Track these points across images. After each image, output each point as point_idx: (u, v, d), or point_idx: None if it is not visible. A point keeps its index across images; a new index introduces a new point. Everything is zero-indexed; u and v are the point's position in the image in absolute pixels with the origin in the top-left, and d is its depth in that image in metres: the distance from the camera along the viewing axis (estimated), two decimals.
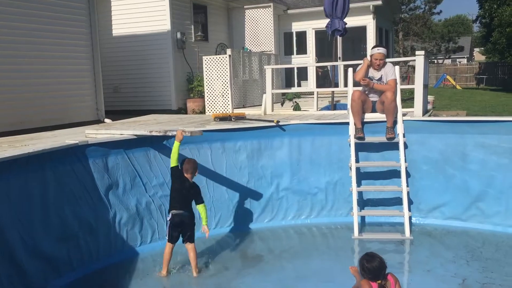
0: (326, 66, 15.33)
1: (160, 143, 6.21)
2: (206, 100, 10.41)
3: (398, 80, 6.63)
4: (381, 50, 6.56)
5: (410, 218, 6.14)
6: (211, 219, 6.34)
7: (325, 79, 16.25)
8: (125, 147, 5.88)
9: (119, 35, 12.27)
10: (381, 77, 6.55)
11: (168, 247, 5.01)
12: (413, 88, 7.44)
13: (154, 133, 5.96)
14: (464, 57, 51.04)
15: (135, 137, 6.01)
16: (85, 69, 9.29)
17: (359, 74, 6.55)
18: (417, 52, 7.26)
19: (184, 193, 5.04)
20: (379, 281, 3.72)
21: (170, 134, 5.93)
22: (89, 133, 6.32)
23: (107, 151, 5.67)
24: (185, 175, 5.09)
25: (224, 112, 9.93)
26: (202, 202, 5.13)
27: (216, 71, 10.20)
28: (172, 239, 5.02)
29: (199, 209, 5.12)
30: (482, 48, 39.76)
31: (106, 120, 9.45)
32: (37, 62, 8.27)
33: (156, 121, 8.81)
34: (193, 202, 5.16)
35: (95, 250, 5.31)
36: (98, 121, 9.33)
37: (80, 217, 5.22)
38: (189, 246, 5.03)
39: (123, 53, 12.25)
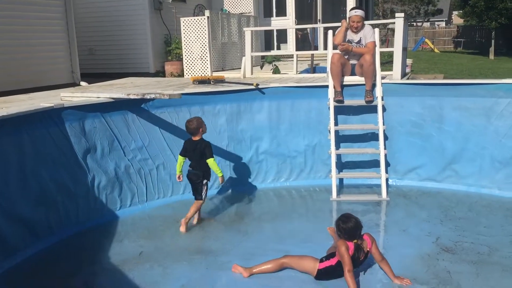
0: (305, 29, 15.17)
1: (138, 106, 6.13)
2: (184, 63, 10.25)
3: (377, 43, 6.61)
4: (359, 12, 6.50)
5: (387, 180, 6.25)
6: None
7: (305, 42, 16.11)
8: (102, 110, 5.78)
9: None
10: (360, 40, 6.51)
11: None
12: (392, 51, 7.43)
13: (132, 96, 5.87)
14: (442, 20, 51.05)
15: (112, 100, 5.91)
16: (58, 30, 9.00)
17: (338, 38, 6.52)
18: (396, 15, 7.22)
19: (189, 154, 5.37)
20: (355, 241, 3.83)
21: (148, 97, 5.85)
22: (64, 96, 6.19)
23: (84, 115, 5.57)
24: (192, 138, 5.36)
25: (203, 75, 9.81)
26: (209, 157, 5.27)
27: (194, 33, 10.01)
28: (192, 193, 5.45)
29: (208, 164, 5.29)
30: (461, 11, 39.76)
31: (82, 83, 9.25)
32: (7, 22, 7.97)
33: (134, 84, 8.67)
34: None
35: (74, 214, 5.30)
36: (74, 84, 9.13)
37: (58, 181, 5.17)
38: (195, 201, 5.37)
39: (98, 14, 11.89)
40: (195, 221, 5.43)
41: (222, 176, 5.27)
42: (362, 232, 3.97)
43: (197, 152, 5.28)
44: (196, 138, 5.32)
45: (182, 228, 5.17)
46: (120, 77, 10.28)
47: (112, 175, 5.70)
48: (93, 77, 10.19)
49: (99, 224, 5.41)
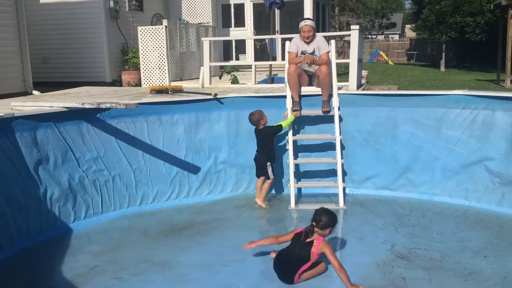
0: (264, 40, 15.31)
1: (93, 116, 5.99)
2: (142, 72, 10.13)
3: (333, 54, 6.74)
4: (308, 22, 6.60)
5: (344, 188, 6.36)
6: (148, 193, 6.27)
7: (263, 52, 16.25)
8: (55, 120, 5.61)
9: (47, 2, 11.58)
10: (313, 51, 6.60)
11: (257, 180, 6.36)
12: (348, 63, 7.60)
13: (86, 106, 5.73)
14: (396, 33, 52.77)
15: (66, 109, 5.75)
16: (9, 37, 8.72)
17: (295, 60, 6.54)
18: (352, 27, 7.41)
19: (257, 140, 6.35)
20: (313, 223, 4.10)
21: (103, 107, 5.73)
22: (15, 105, 5.96)
23: (36, 124, 5.39)
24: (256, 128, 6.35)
25: (160, 84, 9.72)
26: (278, 131, 6.32)
27: (152, 42, 9.91)
28: (257, 173, 6.37)
29: (283, 125, 6.34)
30: (413, 25, 41.21)
31: (35, 92, 8.97)
32: None
33: (89, 93, 8.47)
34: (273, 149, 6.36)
35: (25, 228, 5.09)
36: (26, 93, 8.84)
37: (7, 193, 4.95)
38: (265, 180, 6.27)
39: (52, 21, 11.59)
40: (260, 200, 6.22)
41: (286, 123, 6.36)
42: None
43: (262, 138, 6.24)
44: (260, 127, 6.26)
45: (264, 205, 6.17)
46: (75, 86, 10.02)
47: (66, 186, 5.53)
48: (46, 86, 9.90)
49: (52, 238, 5.21)
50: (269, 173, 6.25)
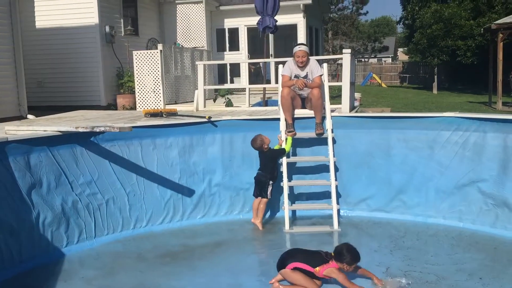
0: (258, 63, 15.48)
1: (87, 139, 6.00)
2: (137, 96, 10.19)
3: (326, 77, 6.82)
4: (303, 47, 6.70)
5: (338, 210, 6.35)
6: (142, 217, 6.24)
7: (258, 76, 16.41)
8: (49, 144, 5.61)
9: (43, 28, 11.70)
10: (306, 75, 6.68)
11: (254, 201, 6.42)
12: (341, 85, 7.69)
13: (80, 129, 5.74)
14: (389, 57, 53.47)
15: (60, 133, 5.76)
16: (5, 62, 8.76)
17: (289, 83, 6.62)
18: (344, 50, 7.51)
19: (261, 160, 6.45)
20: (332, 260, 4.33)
21: (97, 130, 5.74)
22: (9, 129, 5.98)
23: (29, 149, 5.39)
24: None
25: (155, 108, 9.76)
26: (283, 154, 6.47)
27: (147, 66, 10.00)
28: (254, 193, 6.43)
29: (286, 148, 6.49)
30: (405, 48, 41.79)
31: (29, 116, 8.98)
32: None
33: (84, 117, 8.50)
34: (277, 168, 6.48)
35: (17, 253, 5.03)
36: (21, 117, 8.85)
37: (0, 218, 4.92)
38: (261, 200, 6.32)
39: (47, 46, 11.69)
40: (257, 221, 6.29)
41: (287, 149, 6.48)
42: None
43: (267, 160, 6.37)
44: (265, 150, 6.37)
45: (260, 227, 6.20)
46: (70, 110, 10.06)
47: (59, 210, 5.49)
48: (41, 110, 9.92)
49: (44, 263, 5.15)
50: (268, 192, 6.31)
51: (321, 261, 4.31)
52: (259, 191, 6.37)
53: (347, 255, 4.29)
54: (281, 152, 6.45)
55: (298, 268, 4.29)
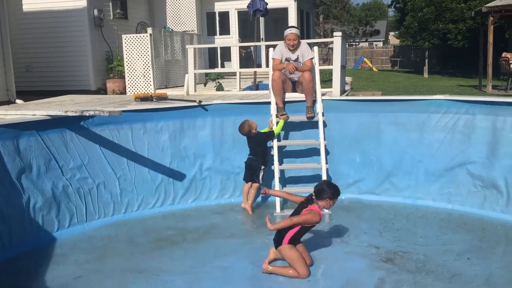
0: (249, 47, 15.39)
1: (77, 124, 5.96)
2: (126, 80, 10.10)
3: (317, 61, 6.80)
4: (294, 30, 6.67)
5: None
6: (133, 201, 6.24)
7: (249, 60, 16.32)
8: (38, 128, 5.58)
9: (30, 11, 11.52)
10: (297, 58, 6.66)
11: (245, 185, 6.38)
12: (332, 69, 7.67)
13: (70, 114, 5.71)
14: (380, 41, 53.32)
15: (49, 118, 5.71)
16: None
17: (279, 66, 6.60)
18: (334, 34, 7.49)
19: (249, 145, 6.43)
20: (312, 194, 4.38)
21: (87, 114, 5.71)
22: None
23: (18, 133, 5.35)
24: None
25: (145, 92, 9.70)
26: (272, 136, 6.44)
27: (136, 50, 9.91)
28: (245, 177, 6.41)
29: (275, 131, 6.46)
30: (397, 32, 41.74)
31: (18, 101, 8.88)
32: None
33: (73, 101, 8.43)
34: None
35: (8, 238, 5.02)
36: (9, 102, 8.73)
37: None
38: (253, 185, 6.29)
39: (35, 30, 11.53)
40: (247, 206, 6.27)
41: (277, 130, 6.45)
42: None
43: (256, 144, 6.33)
44: (252, 135, 6.32)
45: (250, 211, 6.17)
46: (59, 95, 9.95)
47: (49, 195, 5.48)
48: (30, 95, 9.80)
49: (35, 248, 5.15)
50: (260, 177, 6.32)
51: (302, 209, 4.34)
52: (250, 176, 6.36)
53: (327, 190, 4.33)
54: (269, 134, 6.44)
55: (294, 236, 4.29)
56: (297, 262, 4.28)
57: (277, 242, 4.37)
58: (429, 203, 6.34)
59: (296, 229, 4.31)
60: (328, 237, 5.40)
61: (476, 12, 18.24)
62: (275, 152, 6.49)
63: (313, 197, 4.35)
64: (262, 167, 6.35)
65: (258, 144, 6.37)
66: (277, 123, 6.57)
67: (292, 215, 4.43)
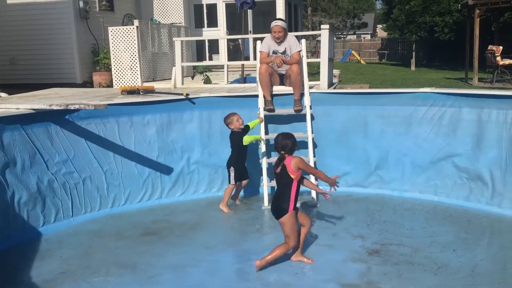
0: (237, 40, 15.32)
1: (62, 117, 5.89)
2: (113, 73, 9.99)
3: (304, 53, 6.78)
4: (279, 22, 6.65)
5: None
6: (120, 195, 6.20)
7: (237, 52, 16.25)
8: (23, 122, 5.50)
9: (14, 3, 11.34)
10: (285, 50, 6.64)
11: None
12: (320, 62, 7.67)
13: (54, 107, 5.63)
14: (368, 33, 53.43)
15: (33, 111, 5.64)
16: None
17: (266, 59, 6.58)
18: (322, 27, 7.47)
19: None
20: (282, 152, 4.32)
21: (72, 108, 5.64)
22: None
23: (2, 127, 5.26)
24: None
25: (132, 85, 9.61)
26: (242, 142, 6.05)
27: (123, 43, 9.80)
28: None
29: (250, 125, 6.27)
30: (384, 25, 41.86)
31: (2, 94, 8.74)
32: None
33: (58, 95, 8.32)
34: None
35: None
36: None
37: None
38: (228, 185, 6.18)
39: (19, 22, 11.36)
40: (237, 202, 6.29)
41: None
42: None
43: (232, 143, 6.15)
44: (231, 130, 6.12)
45: (226, 210, 6.01)
46: (44, 88, 9.81)
47: (34, 190, 5.42)
48: (14, 88, 9.66)
49: (21, 243, 5.10)
50: (231, 178, 6.14)
51: (284, 169, 4.26)
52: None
53: (288, 141, 4.33)
54: (241, 134, 6.08)
55: (296, 197, 4.29)
56: (294, 234, 4.31)
57: (280, 211, 4.28)
58: (416, 195, 6.39)
59: (295, 187, 4.28)
60: (315, 229, 5.42)
61: (463, 5, 18.33)
62: (262, 145, 6.48)
63: (284, 154, 4.32)
64: (231, 168, 6.13)
65: (232, 143, 6.18)
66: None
67: (277, 187, 4.40)
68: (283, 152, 4.32)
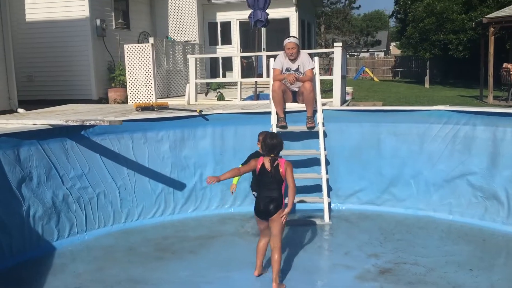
0: (250, 57, 15.45)
1: (77, 133, 5.97)
2: (128, 89, 10.14)
3: (317, 70, 6.82)
4: (292, 39, 6.71)
5: (329, 204, 6.38)
6: (133, 210, 6.24)
7: (250, 69, 16.38)
8: (39, 137, 5.59)
9: (33, 21, 11.58)
10: (298, 68, 6.69)
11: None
12: (333, 79, 7.69)
13: (70, 123, 5.72)
14: (381, 51, 53.52)
15: (49, 127, 5.73)
16: None
17: (279, 77, 6.62)
18: (335, 44, 7.52)
19: None
20: (272, 155, 4.28)
21: (87, 124, 5.72)
22: None
23: (19, 142, 5.36)
24: None
25: (147, 102, 9.73)
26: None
27: (138, 60, 9.95)
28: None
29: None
30: (398, 42, 41.89)
31: (20, 110, 8.92)
32: None
33: (75, 110, 8.46)
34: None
35: (8, 247, 5.01)
36: (11, 111, 8.77)
37: None
38: None
39: (38, 39, 11.58)
40: None
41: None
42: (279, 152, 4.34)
43: None
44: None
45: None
46: (61, 104, 10.00)
47: (49, 204, 5.48)
48: (32, 104, 9.85)
49: (35, 257, 5.14)
50: None
51: (277, 169, 4.26)
52: None
53: (275, 140, 4.31)
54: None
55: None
56: (283, 230, 4.33)
57: (277, 208, 4.26)
58: (430, 213, 6.32)
59: (284, 188, 4.33)
60: (328, 248, 5.39)
61: (477, 23, 18.30)
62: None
63: (275, 157, 4.30)
64: (253, 193, 5.54)
65: None
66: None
67: (271, 181, 4.29)
68: (273, 155, 4.29)
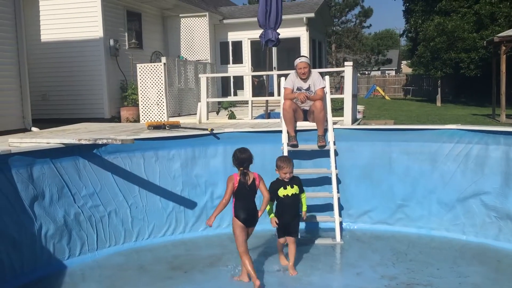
0: (261, 76, 15.56)
1: (90, 151, 6.03)
2: (140, 108, 10.24)
3: (328, 89, 6.84)
4: (304, 59, 6.75)
5: (340, 223, 6.33)
6: (144, 229, 6.25)
7: (261, 88, 16.48)
8: (52, 156, 5.65)
9: (48, 41, 11.81)
10: (309, 87, 6.72)
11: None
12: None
13: (83, 142, 5.78)
14: (392, 69, 53.60)
15: (62, 145, 5.79)
16: (10, 75, 8.83)
17: (291, 96, 6.67)
18: (346, 63, 7.55)
19: None
20: (241, 168, 4.66)
21: (100, 143, 5.78)
22: (12, 141, 6.02)
23: (32, 161, 5.42)
24: None
25: (158, 120, 9.81)
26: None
27: (150, 79, 10.07)
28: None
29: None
30: (409, 61, 41.91)
31: (34, 128, 9.03)
32: None
33: (87, 129, 8.55)
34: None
35: (19, 265, 5.03)
36: (25, 130, 8.89)
37: (2, 230, 4.93)
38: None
39: (52, 59, 11.79)
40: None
41: None
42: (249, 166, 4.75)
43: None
44: None
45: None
46: (74, 123, 10.12)
47: (61, 222, 5.51)
48: (46, 122, 9.98)
49: (46, 275, 5.15)
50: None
51: (253, 183, 4.71)
52: None
53: (244, 155, 4.72)
54: (272, 189, 5.18)
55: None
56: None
57: (254, 220, 4.79)
58: (443, 233, 6.25)
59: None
60: (340, 268, 5.33)
61: (488, 41, 18.28)
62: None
63: (245, 170, 4.73)
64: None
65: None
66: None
67: (251, 194, 4.76)
68: (242, 168, 4.67)
